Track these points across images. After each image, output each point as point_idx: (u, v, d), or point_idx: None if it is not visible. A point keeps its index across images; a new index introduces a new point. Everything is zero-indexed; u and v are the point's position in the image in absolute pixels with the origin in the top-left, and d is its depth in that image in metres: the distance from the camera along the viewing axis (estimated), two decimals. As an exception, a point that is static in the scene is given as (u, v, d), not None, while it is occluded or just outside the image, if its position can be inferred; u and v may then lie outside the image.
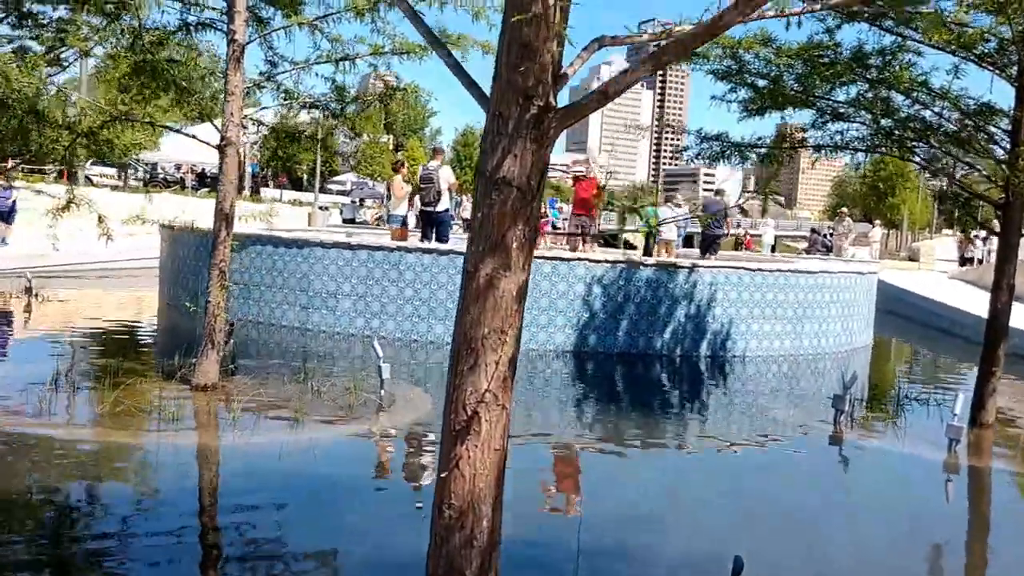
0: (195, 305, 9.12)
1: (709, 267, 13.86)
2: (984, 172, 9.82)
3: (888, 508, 6.66)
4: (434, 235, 15.86)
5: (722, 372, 12.89)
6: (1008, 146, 8.83)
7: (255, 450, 6.99)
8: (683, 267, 13.65)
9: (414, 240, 16.45)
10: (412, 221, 19.40)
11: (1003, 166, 8.82)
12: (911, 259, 40.92)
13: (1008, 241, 9.02)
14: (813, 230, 41.93)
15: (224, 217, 8.73)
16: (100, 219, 9.21)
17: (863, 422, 9.37)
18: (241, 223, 9.17)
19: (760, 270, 14.14)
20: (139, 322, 15.29)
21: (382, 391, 8.79)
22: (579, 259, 13.47)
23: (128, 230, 10.13)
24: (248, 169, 45.56)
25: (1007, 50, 8.80)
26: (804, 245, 43.25)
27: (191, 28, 9.11)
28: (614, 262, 13.44)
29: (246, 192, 41.74)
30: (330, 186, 64.29)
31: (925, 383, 12.99)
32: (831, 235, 35.87)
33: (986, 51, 8.84)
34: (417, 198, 16.61)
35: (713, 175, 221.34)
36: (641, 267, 13.51)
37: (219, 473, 6.71)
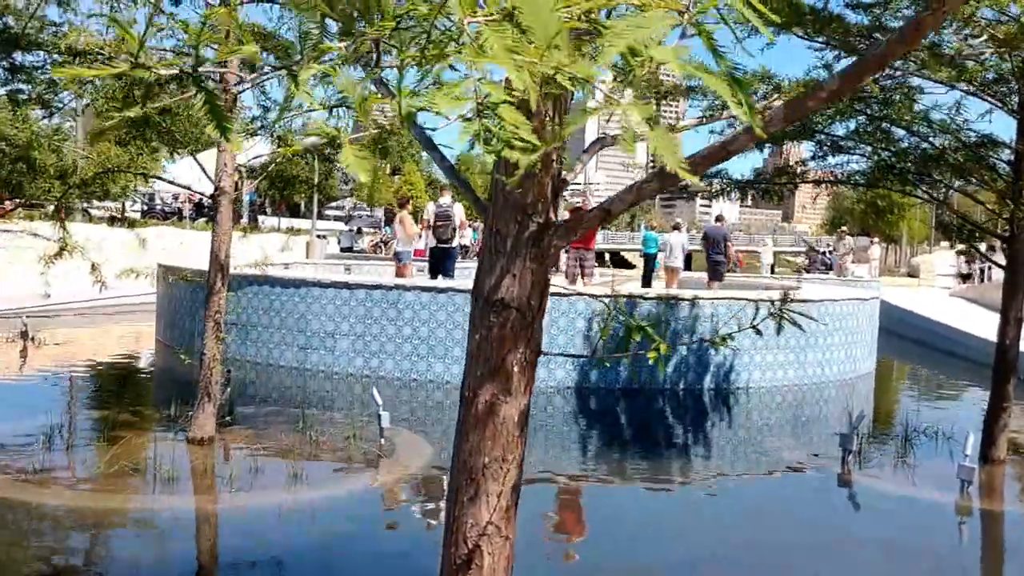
0: (189, 356, 8.98)
1: (710, 299, 13.73)
2: (988, 206, 9.71)
3: (902, 555, 6.50)
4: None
5: (726, 405, 12.74)
6: (1011, 179, 8.74)
7: (253, 512, 6.84)
8: (684, 299, 13.52)
9: (417, 276, 16.39)
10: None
11: (1007, 199, 8.72)
12: (911, 275, 40.84)
13: (1014, 275, 8.90)
14: (811, 248, 41.83)
15: (219, 266, 8.61)
16: (93, 267, 9.11)
17: (871, 460, 9.20)
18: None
19: (760, 300, 13.97)
20: (136, 364, 15.14)
21: (382, 440, 8.64)
22: (579, 294, 13.34)
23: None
24: (246, 198, 45.47)
25: (1008, 80, 8.72)
26: (803, 260, 43.16)
27: (184, 79, 9.00)
28: (615, 297, 13.31)
29: (244, 221, 41.62)
30: (328, 212, 64.31)
31: (933, 412, 12.83)
32: (831, 252, 35.77)
33: (986, 81, 8.77)
34: (428, 233, 16.52)
35: (708, 202, 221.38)
36: (642, 301, 13.38)
37: (216, 538, 6.55)
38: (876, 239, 40.55)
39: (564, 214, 21.01)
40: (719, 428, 11.73)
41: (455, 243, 15.91)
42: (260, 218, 50.25)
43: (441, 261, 16.20)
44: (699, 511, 7.73)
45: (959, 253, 28.78)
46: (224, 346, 8.88)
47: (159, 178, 9.65)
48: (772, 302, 3.66)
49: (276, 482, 7.47)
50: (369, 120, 2.14)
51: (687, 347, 13.35)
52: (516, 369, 2.68)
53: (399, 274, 16.69)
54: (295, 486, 7.37)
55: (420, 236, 17.31)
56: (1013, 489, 8.72)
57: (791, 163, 10.08)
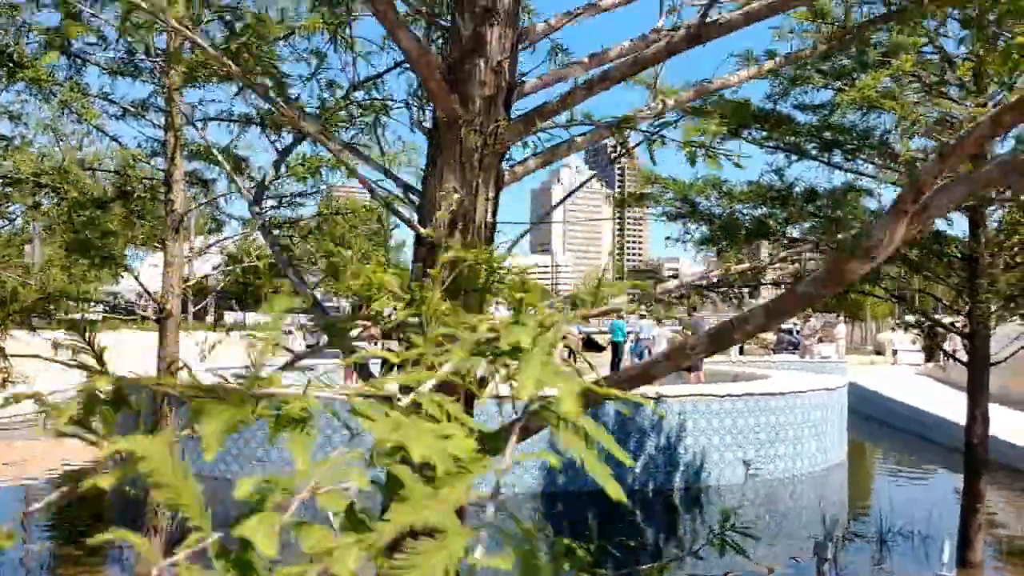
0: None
1: (677, 396, 13.54)
2: (946, 301, 9.70)
3: None
4: None
5: (697, 505, 12.44)
6: (966, 275, 8.73)
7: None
8: (649, 398, 13.30)
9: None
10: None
11: (965, 296, 8.70)
12: (877, 352, 40.98)
13: (977, 372, 8.82)
14: (778, 328, 42.05)
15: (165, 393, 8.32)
16: (41, 401, 8.79)
17: (847, 568, 8.92)
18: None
19: (729, 395, 13.84)
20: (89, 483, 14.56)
21: None
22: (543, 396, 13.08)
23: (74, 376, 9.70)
24: (210, 297, 44.96)
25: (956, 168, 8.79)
26: (772, 339, 43.15)
27: (129, 197, 8.85)
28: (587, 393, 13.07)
29: (209, 319, 41.11)
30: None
31: (908, 505, 12.60)
32: (797, 332, 35.89)
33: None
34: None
35: (677, 270, 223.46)
36: (607, 400, 13.14)
37: None
38: (842, 317, 40.75)
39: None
40: (690, 531, 11.41)
41: None
42: (226, 315, 49.66)
43: None
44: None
45: (923, 349, 29.05)
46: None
47: (101, 302, 9.41)
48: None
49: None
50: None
51: (655, 445, 13.13)
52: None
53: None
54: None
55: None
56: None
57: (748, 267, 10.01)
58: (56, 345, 10.17)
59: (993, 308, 8.80)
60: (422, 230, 2.14)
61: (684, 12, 2.76)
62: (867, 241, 1.46)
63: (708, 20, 2.01)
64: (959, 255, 9.00)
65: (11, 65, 8.16)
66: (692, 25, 2.04)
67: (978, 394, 8.87)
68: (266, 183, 3.74)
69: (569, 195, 2.74)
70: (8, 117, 10.31)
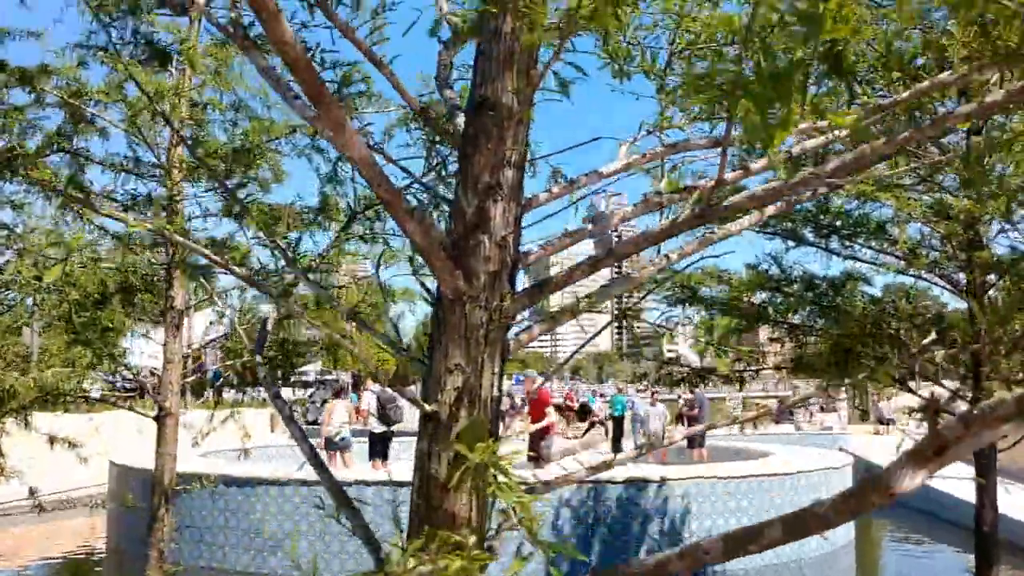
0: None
1: (680, 479, 13.39)
2: (950, 388, 9.64)
3: None
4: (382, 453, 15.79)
5: (704, 594, 12.20)
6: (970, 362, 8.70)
7: None
8: (652, 481, 13.16)
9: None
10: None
11: (969, 382, 8.66)
12: (880, 421, 40.68)
13: (984, 460, 8.73)
14: (780, 399, 41.80)
15: (163, 492, 8.21)
16: (31, 491, 8.74)
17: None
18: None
19: (732, 477, 13.69)
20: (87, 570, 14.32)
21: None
22: (544, 482, 12.93)
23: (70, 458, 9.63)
24: (209, 374, 44.80)
25: (956, 258, 8.82)
26: (772, 405, 42.90)
27: (130, 292, 8.85)
28: (580, 482, 12.93)
29: (208, 396, 40.78)
30: (294, 378, 63.39)
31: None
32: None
33: (933, 260, 8.87)
34: (375, 421, 16.14)
35: (676, 345, 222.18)
36: (609, 485, 13.00)
37: None
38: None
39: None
40: (698, 622, 11.17)
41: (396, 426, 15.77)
42: (225, 393, 49.32)
43: (385, 445, 15.96)
44: None
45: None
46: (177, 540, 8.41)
47: (102, 400, 9.35)
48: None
49: None
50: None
51: (660, 530, 12.94)
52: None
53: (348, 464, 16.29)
54: None
55: (355, 422, 16.98)
56: None
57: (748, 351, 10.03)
58: (52, 440, 10.12)
59: (997, 394, 8.74)
60: (427, 407, 2.12)
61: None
62: (888, 484, 1.44)
63: (713, 202, 2.03)
64: (961, 342, 8.98)
65: (13, 167, 8.26)
66: (697, 206, 2.06)
67: (988, 481, 8.77)
68: (267, 330, 3.73)
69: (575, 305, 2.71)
70: (11, 206, 10.39)
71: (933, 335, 8.20)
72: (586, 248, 2.47)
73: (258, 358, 3.07)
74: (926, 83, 2.15)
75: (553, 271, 2.56)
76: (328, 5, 2.09)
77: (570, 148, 2.73)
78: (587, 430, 28.24)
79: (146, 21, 7.87)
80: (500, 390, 2.19)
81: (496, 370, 2.14)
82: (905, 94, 2.04)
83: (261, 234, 3.31)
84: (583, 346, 3.00)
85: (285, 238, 4.18)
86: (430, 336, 2.17)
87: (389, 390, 15.80)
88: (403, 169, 2.80)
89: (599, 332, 2.85)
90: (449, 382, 2.06)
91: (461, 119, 2.45)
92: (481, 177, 2.17)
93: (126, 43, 8.53)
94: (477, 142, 2.20)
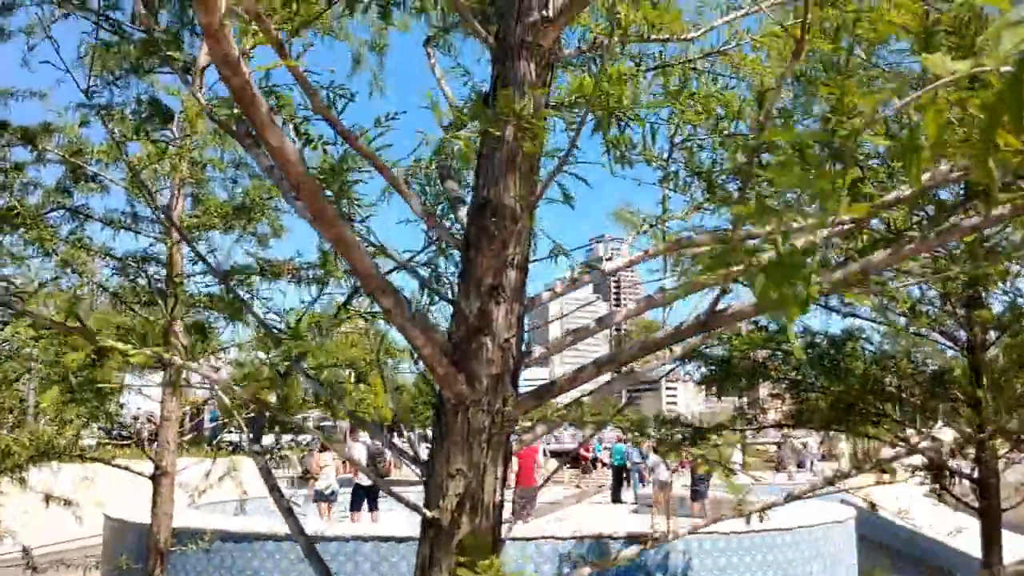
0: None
1: (685, 535, 13.22)
2: (952, 446, 9.56)
3: None
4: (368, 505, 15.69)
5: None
6: (974, 419, 8.63)
7: None
8: (655, 538, 12.98)
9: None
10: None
11: (972, 440, 8.58)
12: (882, 471, 40.33)
13: (989, 520, 8.63)
14: (778, 444, 41.54)
15: (158, 553, 8.10)
16: (25, 551, 8.62)
17: None
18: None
19: (734, 532, 13.51)
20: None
21: None
22: (544, 537, 12.79)
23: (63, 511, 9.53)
24: (207, 417, 44.54)
25: (956, 315, 8.81)
26: (774, 451, 42.46)
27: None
28: (581, 538, 12.78)
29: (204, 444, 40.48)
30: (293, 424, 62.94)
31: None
32: (804, 447, 35.54)
33: (933, 318, 8.84)
34: (363, 473, 16.04)
35: (675, 389, 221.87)
36: (611, 540, 12.84)
37: None
38: (843, 437, 40.28)
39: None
40: None
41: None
42: (222, 436, 48.96)
43: (371, 499, 15.86)
44: None
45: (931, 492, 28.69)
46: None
47: (99, 460, 9.27)
48: None
49: None
50: None
51: (661, 586, 12.77)
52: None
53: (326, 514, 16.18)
54: None
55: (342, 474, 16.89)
56: None
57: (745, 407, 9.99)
58: (48, 498, 9.99)
59: (1001, 452, 8.68)
60: (428, 513, 2.08)
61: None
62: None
63: (717, 309, 2.01)
64: (963, 398, 8.93)
65: (14, 224, 8.26)
66: (701, 314, 2.05)
67: (992, 542, 8.67)
68: (264, 419, 3.69)
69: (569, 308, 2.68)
70: (11, 257, 10.39)
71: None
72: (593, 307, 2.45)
73: (256, 447, 3.03)
74: (927, 176, 2.15)
75: (553, 309, 2.54)
76: (332, 114, 2.08)
77: (576, 249, 2.72)
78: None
79: (148, 83, 7.92)
80: (503, 495, 2.15)
81: (499, 475, 2.10)
82: (908, 192, 2.03)
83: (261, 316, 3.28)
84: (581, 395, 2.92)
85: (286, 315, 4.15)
86: (432, 439, 2.14)
87: (378, 442, 15.71)
88: (413, 273, 2.77)
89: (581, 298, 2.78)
90: (451, 487, 2.02)
91: (463, 212, 2.44)
92: (484, 279, 2.16)
93: (128, 102, 8.59)
94: (479, 244, 2.18)
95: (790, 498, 3.90)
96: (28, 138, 8.11)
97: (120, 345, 2.87)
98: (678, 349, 2.52)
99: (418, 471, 2.34)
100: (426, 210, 2.52)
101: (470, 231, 2.29)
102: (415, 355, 2.13)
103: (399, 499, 2.41)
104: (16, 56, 7.78)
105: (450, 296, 2.46)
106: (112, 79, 8.63)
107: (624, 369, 2.38)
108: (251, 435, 3.18)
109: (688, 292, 2.14)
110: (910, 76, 4.93)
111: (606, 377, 2.56)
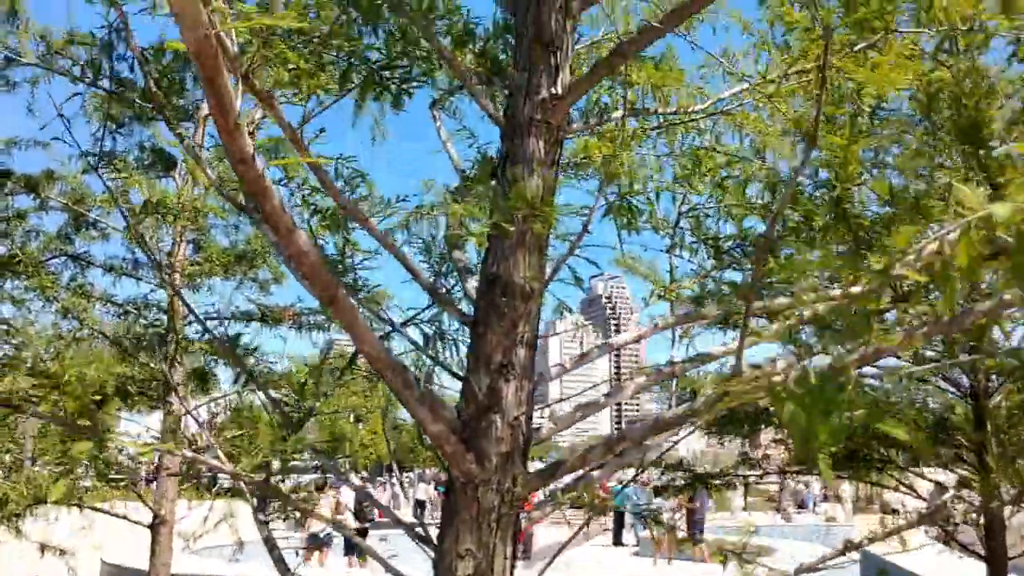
0: None
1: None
2: (956, 492, 9.47)
3: None
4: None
5: None
6: (978, 468, 8.55)
7: None
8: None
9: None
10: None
11: (978, 489, 8.50)
12: (884, 512, 40.01)
13: (996, 566, 8.52)
14: (780, 487, 41.22)
15: (155, 606, 8.00)
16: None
17: None
18: None
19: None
20: None
21: None
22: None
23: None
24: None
25: (960, 361, 8.75)
26: (776, 492, 42.09)
27: (127, 398, 8.77)
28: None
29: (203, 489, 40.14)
30: (292, 464, 62.61)
31: None
32: (806, 487, 35.23)
33: (937, 363, 8.79)
34: (351, 519, 15.97)
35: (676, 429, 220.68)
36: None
37: None
38: (846, 483, 40.00)
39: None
40: None
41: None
42: (221, 478, 48.65)
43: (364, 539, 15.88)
44: None
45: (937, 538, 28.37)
46: None
47: (96, 509, 9.17)
48: None
49: None
50: None
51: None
52: None
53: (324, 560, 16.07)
54: None
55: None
56: None
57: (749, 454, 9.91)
58: (44, 548, 9.87)
59: (1007, 498, 8.59)
60: (439, 595, 2.06)
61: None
62: None
63: (730, 388, 2.00)
64: (967, 444, 8.87)
65: (15, 271, 8.27)
66: (711, 395, 2.04)
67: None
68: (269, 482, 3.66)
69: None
70: (11, 301, 10.38)
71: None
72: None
73: (260, 516, 3.00)
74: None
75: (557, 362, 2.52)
76: (340, 194, 2.09)
77: (585, 324, 2.71)
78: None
79: (150, 132, 7.96)
80: (512, 573, 2.12)
81: (507, 555, 2.07)
82: (911, 257, 2.02)
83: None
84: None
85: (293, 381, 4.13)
86: (441, 519, 2.11)
87: (368, 487, 15.68)
88: (427, 355, 2.75)
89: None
90: (460, 568, 2.00)
91: (471, 284, 2.44)
92: (493, 357, 2.15)
93: (131, 149, 8.63)
94: (489, 321, 2.18)
95: (801, 570, 3.84)
96: (31, 186, 8.14)
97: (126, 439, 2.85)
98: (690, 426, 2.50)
99: (405, 530, 2.33)
100: (432, 286, 2.51)
101: (479, 307, 2.28)
102: (422, 432, 2.12)
103: (386, 566, 2.38)
104: (20, 104, 7.84)
105: (454, 370, 2.46)
106: (116, 127, 8.69)
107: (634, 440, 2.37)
108: (256, 505, 3.15)
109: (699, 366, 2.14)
110: (910, 124, 4.96)
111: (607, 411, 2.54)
